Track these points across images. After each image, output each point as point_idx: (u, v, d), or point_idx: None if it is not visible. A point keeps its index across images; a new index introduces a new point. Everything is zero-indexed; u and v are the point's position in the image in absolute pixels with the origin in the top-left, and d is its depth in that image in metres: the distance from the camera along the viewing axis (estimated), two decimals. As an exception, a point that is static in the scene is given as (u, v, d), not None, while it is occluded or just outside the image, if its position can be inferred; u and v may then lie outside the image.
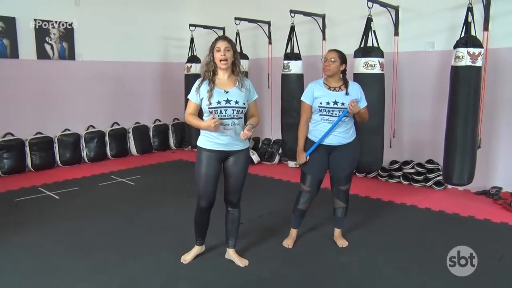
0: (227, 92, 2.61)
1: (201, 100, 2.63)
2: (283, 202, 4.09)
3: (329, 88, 2.95)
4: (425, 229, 3.54)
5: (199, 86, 2.65)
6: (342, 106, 2.88)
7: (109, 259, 2.94)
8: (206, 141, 2.66)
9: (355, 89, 2.98)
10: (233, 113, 2.60)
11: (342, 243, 3.17)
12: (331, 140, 2.94)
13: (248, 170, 2.84)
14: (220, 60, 2.60)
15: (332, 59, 2.92)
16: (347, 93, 2.93)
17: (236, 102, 2.60)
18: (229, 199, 2.80)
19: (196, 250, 2.92)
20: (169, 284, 2.66)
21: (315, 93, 2.95)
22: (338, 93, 2.93)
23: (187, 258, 2.89)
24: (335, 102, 2.89)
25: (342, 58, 2.95)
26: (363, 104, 2.99)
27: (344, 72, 3.00)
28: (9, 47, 5.31)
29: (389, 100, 4.57)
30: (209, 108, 2.59)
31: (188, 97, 2.71)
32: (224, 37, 2.67)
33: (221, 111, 2.57)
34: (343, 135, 2.95)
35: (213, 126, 2.50)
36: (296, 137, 3.05)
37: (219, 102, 2.58)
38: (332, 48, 3.07)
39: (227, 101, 2.58)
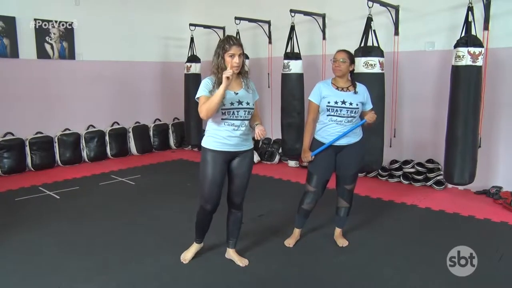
0: (236, 93, 2.58)
1: None
2: (283, 202, 4.10)
3: (337, 88, 2.95)
4: (425, 229, 3.54)
5: (213, 85, 2.53)
6: (350, 106, 2.88)
7: (109, 259, 2.94)
8: (213, 142, 2.61)
9: (362, 91, 2.98)
10: (244, 114, 2.58)
11: (342, 242, 3.18)
12: (339, 141, 2.94)
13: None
14: (233, 67, 2.50)
15: (342, 60, 2.91)
16: (355, 93, 2.93)
17: (247, 104, 2.59)
18: (233, 200, 2.78)
19: (195, 247, 2.93)
20: (169, 284, 2.65)
21: (323, 93, 2.94)
22: (346, 93, 2.93)
23: (187, 256, 2.89)
24: (343, 102, 2.89)
25: (351, 58, 2.96)
26: (369, 106, 2.99)
27: (352, 72, 3.00)
28: (9, 47, 5.31)
29: (389, 100, 4.58)
30: (221, 109, 2.53)
31: (199, 94, 2.55)
32: (237, 42, 2.53)
33: (233, 112, 2.54)
34: (351, 135, 2.95)
35: (229, 77, 2.37)
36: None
37: (232, 104, 2.54)
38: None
39: (239, 102, 2.56)
